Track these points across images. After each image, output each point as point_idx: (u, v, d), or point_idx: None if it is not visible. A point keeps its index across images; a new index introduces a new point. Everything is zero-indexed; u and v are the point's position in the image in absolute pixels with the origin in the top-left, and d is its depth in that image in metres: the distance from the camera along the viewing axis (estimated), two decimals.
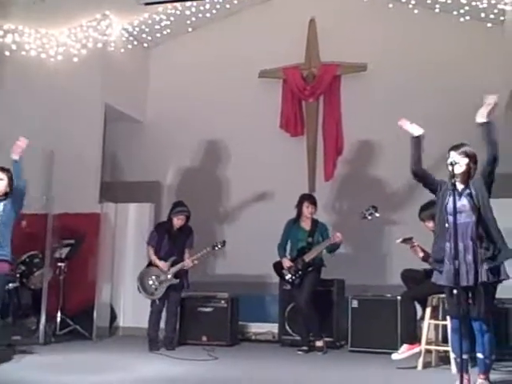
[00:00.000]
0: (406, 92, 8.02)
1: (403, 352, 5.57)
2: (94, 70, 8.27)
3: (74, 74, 8.19)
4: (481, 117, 4.45)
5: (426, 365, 5.57)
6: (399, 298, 6.19)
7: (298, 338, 6.83)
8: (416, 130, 4.68)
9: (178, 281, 6.68)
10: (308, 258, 6.68)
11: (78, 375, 5.05)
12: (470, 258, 4.28)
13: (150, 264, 6.80)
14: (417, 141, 4.66)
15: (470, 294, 4.31)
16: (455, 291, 4.17)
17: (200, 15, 8.70)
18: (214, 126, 8.64)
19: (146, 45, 9.08)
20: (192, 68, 8.90)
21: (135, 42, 8.87)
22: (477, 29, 7.87)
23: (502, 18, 7.69)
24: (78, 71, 8.21)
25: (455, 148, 4.50)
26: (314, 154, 8.46)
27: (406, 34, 8.18)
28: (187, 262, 6.71)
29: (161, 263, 6.69)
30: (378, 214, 6.60)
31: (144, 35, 8.84)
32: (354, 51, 8.28)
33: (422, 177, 4.64)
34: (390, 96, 8.05)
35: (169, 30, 8.82)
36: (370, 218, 6.59)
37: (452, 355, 4.66)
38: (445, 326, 5.41)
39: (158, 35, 8.89)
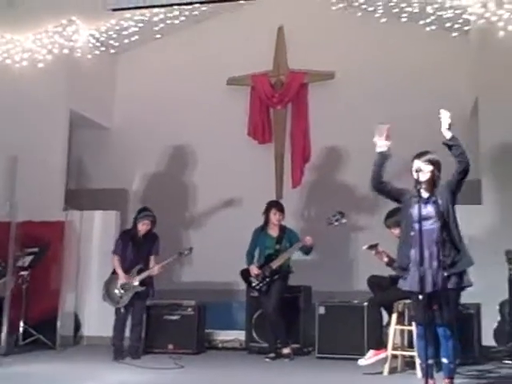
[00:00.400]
0: (372, 100, 8.08)
1: (370, 358, 5.59)
2: (60, 76, 8.17)
3: (39, 79, 8.08)
4: (446, 132, 4.46)
5: (392, 370, 5.59)
6: (366, 304, 6.20)
7: (265, 345, 6.80)
8: (379, 146, 4.68)
9: (143, 288, 6.61)
10: (275, 265, 6.66)
11: None
12: (435, 264, 4.31)
13: (115, 272, 6.71)
14: (380, 156, 4.67)
15: (434, 301, 4.33)
16: (420, 297, 4.20)
17: (168, 22, 8.65)
18: (181, 133, 8.60)
19: (113, 51, 9.00)
20: (160, 75, 8.86)
21: (102, 48, 8.79)
22: (443, 38, 7.98)
23: (466, 28, 7.81)
24: (43, 77, 8.10)
25: (419, 156, 4.53)
26: (282, 162, 8.48)
27: (374, 42, 8.26)
28: (155, 269, 6.64)
29: (122, 275, 6.59)
30: (344, 220, 6.62)
31: (111, 41, 8.76)
32: (322, 59, 8.32)
33: (381, 190, 4.67)
34: (357, 104, 8.12)
35: (137, 37, 8.75)
36: (336, 224, 6.61)
37: (417, 360, 4.68)
38: (410, 332, 5.43)
39: (126, 41, 8.81)
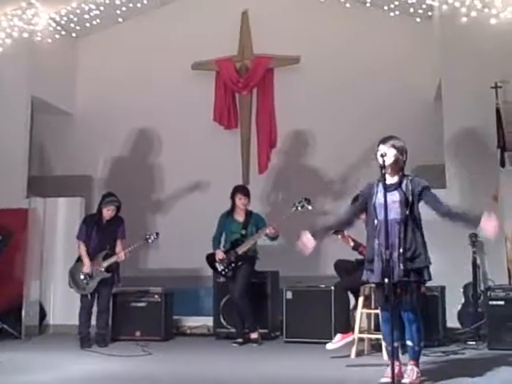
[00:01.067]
0: (337, 84, 8.12)
1: (337, 341, 5.63)
2: (20, 61, 8.00)
3: None
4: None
5: (359, 353, 5.65)
6: (332, 288, 6.25)
7: (233, 330, 6.80)
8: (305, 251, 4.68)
9: (110, 275, 6.54)
10: (241, 250, 6.66)
11: (6, 375, 4.86)
12: (395, 255, 4.31)
13: (80, 259, 6.63)
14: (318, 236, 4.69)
15: (398, 287, 4.35)
16: (386, 280, 4.22)
17: (131, 5, 8.54)
18: (146, 118, 8.52)
19: (74, 35, 8.83)
20: (123, 59, 8.74)
21: (63, 32, 8.62)
22: (406, 24, 8.04)
23: (429, 14, 7.88)
24: (2, 61, 7.92)
25: (384, 141, 4.55)
26: (248, 147, 8.46)
27: (339, 27, 8.28)
28: (121, 255, 6.57)
29: (86, 262, 6.51)
30: (310, 207, 6.64)
31: (72, 25, 8.60)
32: (288, 44, 8.32)
33: (351, 223, 4.78)
34: (323, 88, 8.14)
35: (98, 20, 8.59)
36: (301, 209, 6.62)
37: (384, 343, 4.74)
38: (377, 315, 5.48)
39: (87, 25, 8.65)
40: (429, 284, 5.82)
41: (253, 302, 6.65)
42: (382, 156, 4.42)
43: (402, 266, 4.30)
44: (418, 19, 7.93)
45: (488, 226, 4.29)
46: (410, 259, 4.33)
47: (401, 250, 4.31)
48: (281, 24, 8.35)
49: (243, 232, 6.77)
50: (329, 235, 4.83)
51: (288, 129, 8.34)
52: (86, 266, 6.50)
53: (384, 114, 7.62)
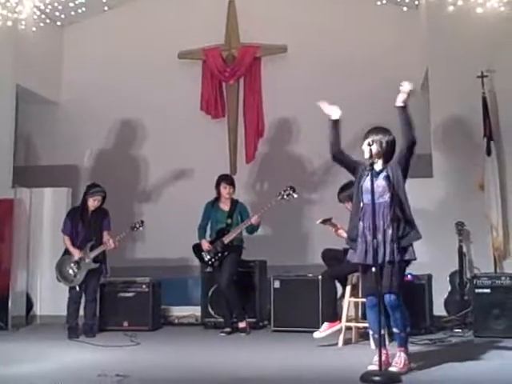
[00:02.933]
0: (324, 73, 8.10)
1: (324, 330, 5.67)
2: (4, 50, 7.89)
3: None
4: (399, 102, 4.54)
5: (347, 341, 5.70)
6: (320, 277, 6.27)
7: (221, 320, 6.82)
8: (334, 113, 4.73)
9: (97, 265, 6.53)
10: (227, 239, 6.66)
11: None
12: (380, 237, 4.36)
13: (66, 252, 6.61)
14: (334, 124, 4.72)
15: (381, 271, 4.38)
16: (373, 269, 4.26)
17: None
18: (133, 107, 8.45)
19: (59, 23, 8.73)
20: (108, 48, 8.66)
21: (48, 21, 8.49)
22: (393, 12, 8.03)
23: (416, 3, 7.88)
24: None
25: (371, 131, 4.59)
26: (235, 137, 8.45)
27: (326, 16, 8.26)
28: (110, 242, 6.53)
29: (75, 251, 6.50)
30: (295, 195, 6.64)
31: (57, 13, 8.47)
32: (275, 33, 8.29)
33: (341, 160, 4.72)
34: (310, 77, 8.12)
35: (84, 9, 8.46)
36: (287, 198, 6.63)
37: (370, 332, 4.77)
38: (364, 304, 5.50)
39: (73, 13, 8.54)
40: (415, 272, 5.93)
41: (240, 292, 6.67)
42: (369, 145, 4.47)
43: (388, 248, 4.34)
44: (405, 8, 7.91)
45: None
46: (399, 239, 4.36)
47: (389, 232, 4.35)
48: (268, 13, 8.32)
49: (229, 221, 6.77)
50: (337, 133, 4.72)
51: (275, 118, 8.33)
52: (76, 253, 6.47)
53: (370, 103, 7.62)
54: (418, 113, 7.39)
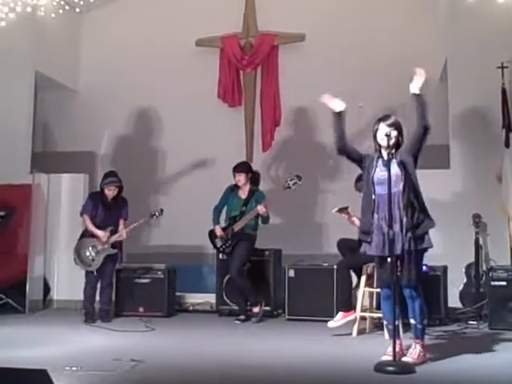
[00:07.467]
0: (342, 62, 8.06)
1: (339, 319, 5.67)
2: (24, 36, 7.94)
3: (1, 39, 7.83)
4: (415, 88, 4.50)
5: (361, 331, 5.70)
6: (335, 266, 6.27)
7: (235, 307, 6.84)
8: (338, 106, 4.69)
9: (115, 251, 6.59)
10: (237, 227, 6.67)
11: (10, 350, 4.89)
12: (397, 227, 4.33)
13: (84, 235, 6.66)
14: (338, 117, 4.68)
15: (398, 263, 4.37)
16: (389, 259, 4.25)
17: None
18: (150, 95, 8.47)
19: (78, 10, 8.75)
20: (127, 35, 8.66)
21: (67, 7, 8.52)
22: (413, 1, 7.95)
23: None
24: (5, 36, 7.83)
25: (383, 119, 4.53)
26: (252, 125, 8.44)
27: (344, 4, 8.21)
28: (123, 233, 6.60)
29: (99, 232, 6.55)
30: (300, 183, 6.60)
31: (76, 0, 8.52)
32: (292, 21, 8.24)
33: (346, 152, 4.67)
34: (328, 66, 8.08)
35: None
36: (293, 187, 6.61)
37: (385, 322, 4.77)
38: (379, 294, 5.50)
39: (91, 0, 8.58)
40: (431, 264, 5.90)
41: (255, 280, 6.68)
42: (387, 135, 4.41)
43: (405, 237, 4.31)
44: None
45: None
46: (414, 227, 4.34)
47: (404, 220, 4.32)
48: (285, 1, 8.28)
49: (243, 209, 6.74)
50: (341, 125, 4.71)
51: (292, 106, 8.31)
52: (102, 235, 6.52)
53: (388, 92, 7.57)
54: (436, 103, 7.38)
